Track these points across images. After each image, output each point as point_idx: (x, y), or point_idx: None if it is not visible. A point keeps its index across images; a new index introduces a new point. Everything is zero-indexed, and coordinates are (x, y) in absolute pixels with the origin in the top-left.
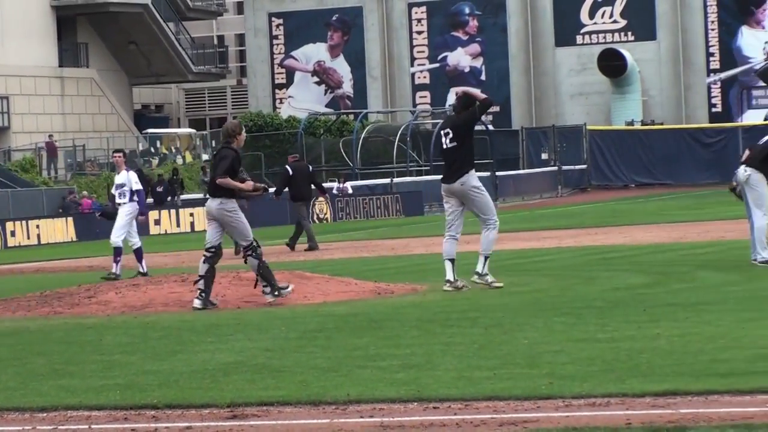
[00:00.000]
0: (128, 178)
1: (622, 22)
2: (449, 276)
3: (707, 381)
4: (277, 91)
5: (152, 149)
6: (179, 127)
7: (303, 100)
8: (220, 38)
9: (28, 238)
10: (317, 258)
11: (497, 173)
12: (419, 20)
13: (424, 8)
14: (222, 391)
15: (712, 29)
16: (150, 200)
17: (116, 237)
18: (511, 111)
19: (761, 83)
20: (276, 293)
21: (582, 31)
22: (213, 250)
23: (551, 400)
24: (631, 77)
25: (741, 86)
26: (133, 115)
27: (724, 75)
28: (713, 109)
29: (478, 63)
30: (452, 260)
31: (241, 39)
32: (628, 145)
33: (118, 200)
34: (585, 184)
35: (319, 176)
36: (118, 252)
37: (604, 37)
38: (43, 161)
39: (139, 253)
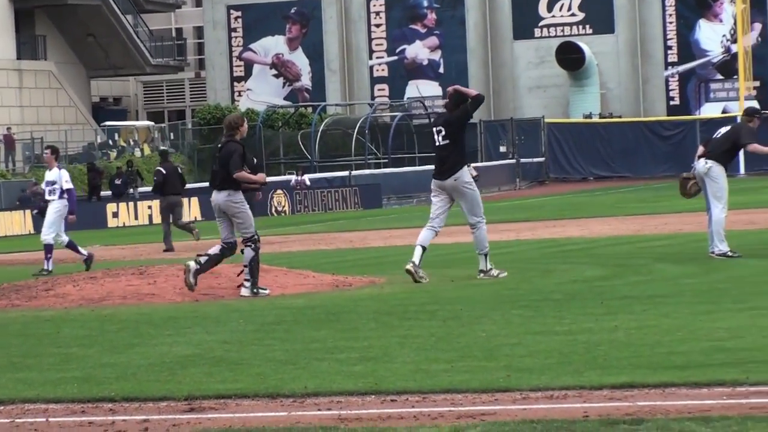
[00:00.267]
0: (59, 176)
1: (580, 15)
2: (415, 258)
3: (664, 373)
4: (235, 83)
5: (110, 142)
6: (137, 119)
7: (261, 93)
8: (179, 31)
9: None
10: (275, 251)
11: None
12: (377, 13)
13: (382, 1)
14: (179, 384)
15: (670, 22)
16: (108, 192)
17: (46, 234)
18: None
19: (719, 76)
20: (254, 291)
21: (540, 24)
22: (232, 243)
23: (509, 393)
24: (589, 70)
25: (699, 79)
26: (92, 108)
27: (682, 68)
28: (671, 102)
29: (437, 56)
30: (424, 248)
31: (199, 31)
32: (586, 138)
33: (48, 197)
34: (543, 176)
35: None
36: (48, 249)
37: (562, 30)
38: (0, 154)
39: (72, 246)
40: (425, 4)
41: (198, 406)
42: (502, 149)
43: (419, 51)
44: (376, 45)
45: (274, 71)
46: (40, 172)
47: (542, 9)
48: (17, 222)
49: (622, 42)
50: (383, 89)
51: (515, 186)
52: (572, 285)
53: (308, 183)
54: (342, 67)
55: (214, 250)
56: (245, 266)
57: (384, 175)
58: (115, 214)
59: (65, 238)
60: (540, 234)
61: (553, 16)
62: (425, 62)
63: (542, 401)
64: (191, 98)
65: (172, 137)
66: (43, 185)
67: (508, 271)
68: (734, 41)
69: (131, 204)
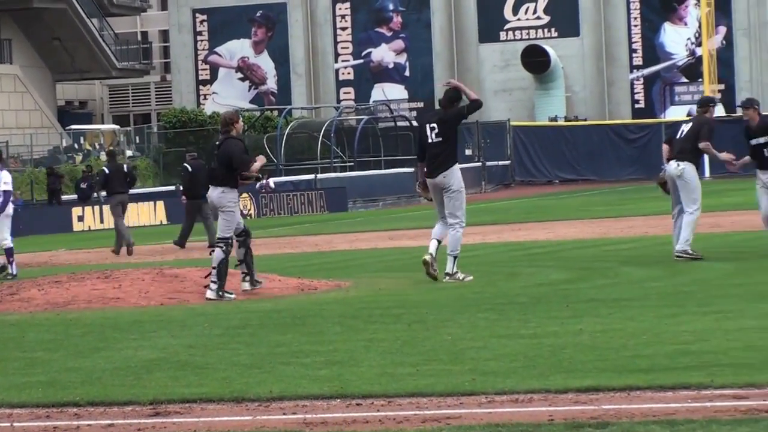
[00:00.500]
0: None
1: (546, 19)
2: (431, 250)
3: (629, 377)
4: (201, 87)
5: (76, 145)
6: (103, 123)
7: (227, 97)
8: (144, 34)
9: None
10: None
11: None
12: (343, 16)
13: (348, 4)
14: (144, 389)
15: (635, 25)
16: (74, 196)
17: (3, 239)
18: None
19: (683, 79)
20: (220, 294)
21: (505, 27)
22: (244, 233)
23: (474, 397)
24: (554, 73)
25: (664, 82)
26: (57, 112)
27: (647, 71)
28: (636, 105)
29: (402, 59)
30: (439, 240)
31: (165, 35)
32: (552, 141)
33: None
34: (509, 179)
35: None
36: (9, 252)
37: (528, 34)
38: None
39: (9, 253)
40: (391, 7)
41: (163, 410)
42: (468, 152)
43: (385, 54)
44: (342, 48)
45: (239, 74)
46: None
47: (508, 12)
48: None
49: (588, 45)
50: (349, 92)
51: (481, 189)
52: (538, 288)
53: (272, 186)
54: (308, 70)
55: (240, 254)
56: (213, 268)
57: (350, 178)
58: (81, 218)
59: (8, 242)
60: (506, 237)
61: (519, 20)
62: (391, 65)
63: (507, 405)
64: (157, 102)
65: (137, 141)
66: None
67: (474, 275)
68: (699, 44)
69: (96, 208)
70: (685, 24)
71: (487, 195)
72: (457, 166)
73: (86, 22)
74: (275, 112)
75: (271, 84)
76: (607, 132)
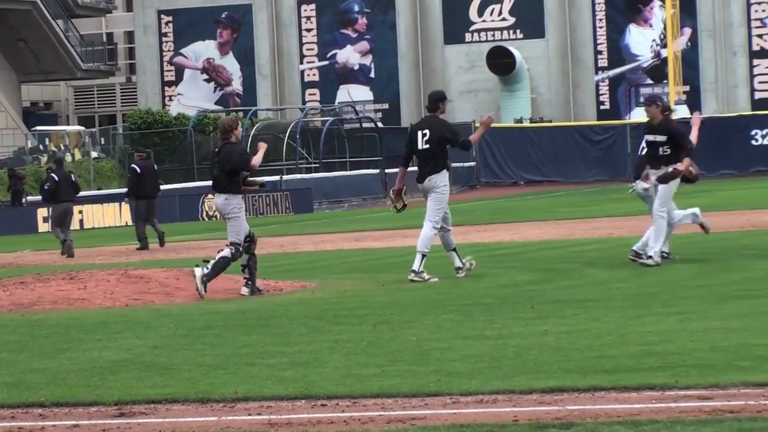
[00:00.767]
0: None
1: (511, 20)
2: (457, 264)
3: (594, 377)
4: (166, 88)
5: (41, 147)
6: (68, 124)
7: (192, 98)
8: (110, 35)
9: None
10: (207, 255)
11: (386, 170)
12: (308, 18)
13: (313, 6)
14: (109, 389)
15: (600, 27)
16: (38, 197)
17: None
18: (400, 108)
19: (649, 80)
20: (202, 282)
21: (471, 28)
22: (248, 238)
23: (439, 397)
24: (519, 75)
25: (629, 84)
26: (22, 113)
27: (612, 73)
28: (601, 107)
29: (368, 60)
30: (454, 249)
31: (130, 36)
32: (517, 142)
33: None
34: (474, 181)
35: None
36: None
37: (493, 35)
38: None
39: None
40: (356, 8)
41: (128, 411)
42: None
43: (350, 56)
44: (307, 50)
45: (205, 76)
46: None
47: (473, 14)
48: None
49: (553, 47)
50: (314, 94)
51: None
52: (503, 289)
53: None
54: (273, 71)
55: (244, 259)
56: (215, 264)
57: (315, 179)
58: (46, 219)
59: None
60: (471, 238)
61: (484, 21)
62: (356, 67)
63: (472, 405)
64: (122, 103)
65: (103, 142)
66: None
67: (438, 276)
68: (664, 46)
69: None
70: (650, 25)
71: (453, 196)
72: (446, 172)
73: (51, 23)
74: (241, 114)
75: (237, 85)
76: (573, 133)
